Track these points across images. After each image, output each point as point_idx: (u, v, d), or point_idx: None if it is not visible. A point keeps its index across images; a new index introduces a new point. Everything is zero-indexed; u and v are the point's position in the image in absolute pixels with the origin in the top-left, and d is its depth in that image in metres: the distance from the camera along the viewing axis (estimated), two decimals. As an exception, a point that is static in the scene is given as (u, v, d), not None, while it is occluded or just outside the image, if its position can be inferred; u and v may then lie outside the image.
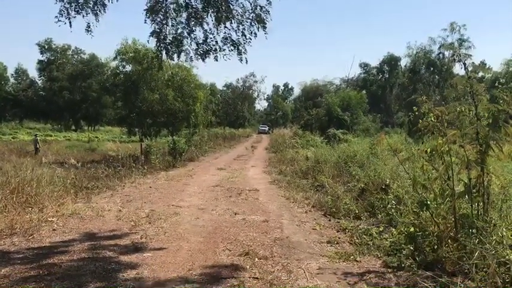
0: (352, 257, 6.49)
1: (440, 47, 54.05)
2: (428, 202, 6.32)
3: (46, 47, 71.54)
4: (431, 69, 56.52)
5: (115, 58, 28.69)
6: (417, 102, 6.74)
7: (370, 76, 75.31)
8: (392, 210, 8.25)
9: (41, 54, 72.15)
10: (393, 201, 8.56)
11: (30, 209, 8.76)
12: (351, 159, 14.23)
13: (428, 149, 6.35)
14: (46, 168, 12.62)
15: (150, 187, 13.69)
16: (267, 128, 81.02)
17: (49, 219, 8.45)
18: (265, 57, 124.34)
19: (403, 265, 5.98)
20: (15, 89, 76.30)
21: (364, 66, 75.15)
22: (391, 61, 71.16)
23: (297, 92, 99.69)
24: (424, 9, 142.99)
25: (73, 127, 71.75)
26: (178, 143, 23.73)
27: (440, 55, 55.07)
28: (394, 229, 7.51)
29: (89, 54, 71.88)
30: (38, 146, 28.27)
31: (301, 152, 23.31)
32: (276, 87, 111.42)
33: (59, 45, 72.30)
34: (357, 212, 9.39)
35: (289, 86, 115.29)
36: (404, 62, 65.28)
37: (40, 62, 72.63)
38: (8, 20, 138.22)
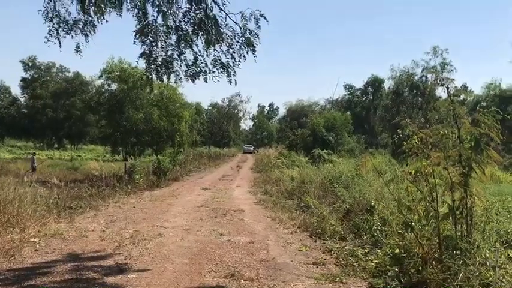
0: (338, 278, 6.48)
1: (423, 70, 55.21)
2: (413, 223, 6.40)
3: (30, 64, 70.99)
4: (415, 91, 57.54)
5: (100, 76, 28.71)
6: (401, 125, 6.86)
7: (355, 97, 76.35)
8: (378, 232, 8.29)
9: (24, 71, 71.57)
10: (378, 223, 8.61)
11: (11, 229, 8.55)
12: (336, 179, 14.30)
13: (413, 171, 6.45)
14: (28, 187, 12.43)
15: (134, 207, 13.54)
16: (252, 147, 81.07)
17: (31, 239, 8.28)
18: (250, 77, 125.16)
19: (388, 287, 5.99)
20: (-4, 106, 75.25)
21: (349, 87, 76.29)
22: (375, 83, 72.36)
23: (282, 112, 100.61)
24: (408, 32, 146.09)
25: (55, 145, 70.88)
26: (163, 162, 23.58)
27: (423, 78, 56.20)
28: (379, 250, 7.54)
29: (73, 72, 71.60)
30: (34, 165, 27.74)
31: (287, 172, 23.37)
32: (261, 107, 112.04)
33: (43, 63, 71.88)
34: (343, 233, 9.40)
35: (275, 106, 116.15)
36: (388, 84, 66.44)
37: (23, 79, 71.94)
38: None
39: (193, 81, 7.58)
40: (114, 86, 28.71)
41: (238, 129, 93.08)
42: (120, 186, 17.30)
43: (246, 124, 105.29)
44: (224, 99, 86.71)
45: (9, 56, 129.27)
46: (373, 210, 9.58)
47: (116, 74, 27.68)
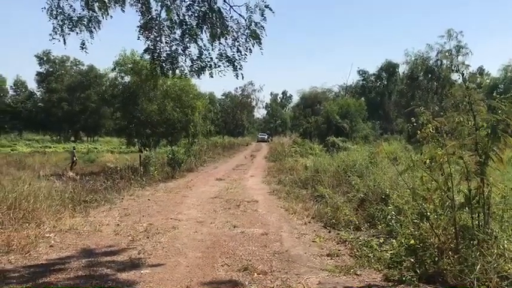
0: (352, 270, 6.41)
1: (437, 53, 54.19)
2: (428, 213, 6.27)
3: (45, 58, 71.81)
4: (429, 75, 56.58)
5: (113, 69, 28.74)
6: (415, 112, 6.70)
7: (369, 83, 75.35)
8: (393, 221, 8.17)
9: (39, 66, 72.50)
10: (393, 212, 8.48)
11: (27, 224, 8.66)
12: (350, 168, 14.17)
13: (427, 160, 6.30)
14: (44, 181, 12.55)
15: (149, 200, 13.60)
16: (266, 136, 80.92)
17: (46, 235, 8.37)
18: (263, 65, 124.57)
19: (404, 278, 5.90)
20: (14, 101, 76.40)
21: (363, 73, 75.23)
22: (389, 68, 71.26)
23: (295, 99, 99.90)
24: (422, 16, 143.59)
25: (72, 138, 71.71)
26: (177, 153, 23.65)
27: (438, 62, 55.16)
28: (394, 240, 7.42)
29: (88, 66, 72.10)
30: (75, 159, 27.97)
31: (301, 160, 23.27)
32: (274, 96, 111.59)
33: (58, 57, 72.54)
34: (357, 223, 9.32)
35: (288, 94, 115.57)
36: (402, 69, 65.42)
37: (39, 73, 72.84)
38: (6, 32, 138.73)
39: (198, 76, 7.50)
40: (127, 78, 28.78)
41: (252, 118, 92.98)
42: (135, 178, 17.38)
43: (260, 113, 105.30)
44: (237, 88, 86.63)
45: (24, 51, 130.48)
46: (388, 200, 9.47)
47: (129, 66, 27.69)
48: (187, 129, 29.78)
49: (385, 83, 73.16)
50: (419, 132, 6.47)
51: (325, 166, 16.32)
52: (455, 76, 52.89)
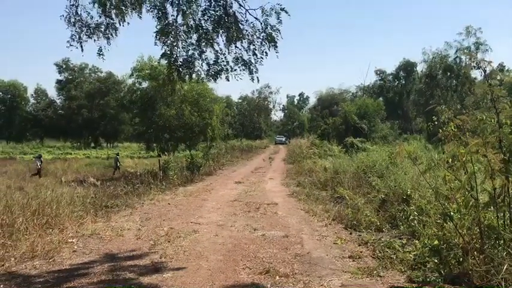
0: (375, 272, 6.34)
1: (456, 51, 53.33)
2: (452, 213, 6.16)
3: (64, 66, 73.00)
4: (448, 74, 55.69)
5: (131, 75, 29.05)
6: (436, 111, 6.60)
7: (387, 83, 74.73)
8: (415, 222, 8.07)
9: (59, 73, 73.74)
10: (415, 213, 8.37)
11: (50, 230, 8.78)
12: (370, 169, 14.04)
13: (450, 159, 6.20)
14: (66, 187, 12.75)
15: (169, 204, 13.69)
16: (284, 138, 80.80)
17: (69, 240, 8.48)
18: (279, 68, 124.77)
19: (428, 279, 5.82)
20: (35, 108, 77.93)
21: (380, 73, 74.67)
22: (407, 67, 70.59)
23: (312, 101, 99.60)
24: (439, 14, 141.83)
25: (92, 144, 72.71)
26: (196, 157, 23.77)
27: (457, 59, 54.31)
28: (417, 241, 7.33)
29: (106, 72, 73.07)
30: (118, 165, 28.23)
31: (319, 162, 23.15)
32: (290, 98, 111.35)
33: (77, 65, 73.71)
34: (379, 224, 9.23)
35: (305, 96, 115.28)
36: (420, 68, 64.65)
37: (58, 81, 74.12)
38: (26, 41, 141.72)
39: (215, 80, 7.52)
40: (145, 84, 29.06)
41: (269, 120, 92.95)
42: (154, 183, 17.52)
43: (277, 115, 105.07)
44: (254, 91, 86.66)
45: (44, 59, 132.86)
46: (410, 200, 9.36)
47: (147, 72, 27.95)
48: (205, 133, 29.90)
49: (403, 82, 72.48)
50: (440, 131, 6.37)
51: (345, 167, 16.20)
52: (475, 73, 52.09)
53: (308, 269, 6.65)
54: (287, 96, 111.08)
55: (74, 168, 30.77)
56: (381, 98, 58.42)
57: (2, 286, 5.77)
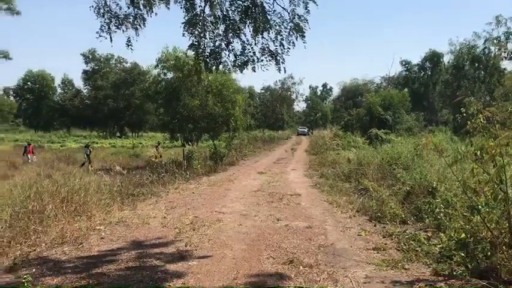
0: (400, 264, 6.32)
1: (485, 41, 51.82)
2: (480, 207, 6.06)
3: (90, 57, 74.15)
4: (476, 65, 54.27)
5: (156, 66, 29.30)
6: (464, 103, 6.48)
7: (412, 74, 73.32)
8: (441, 215, 7.98)
9: (85, 64, 74.99)
10: (441, 205, 8.27)
11: (79, 217, 9.01)
12: (395, 161, 13.88)
13: (478, 151, 6.09)
14: (93, 176, 13.00)
15: (193, 193, 13.84)
16: (307, 129, 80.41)
17: (97, 227, 8.70)
18: (303, 58, 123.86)
19: (454, 273, 5.77)
20: (62, 98, 79.56)
21: (405, 63, 73.27)
22: (433, 58, 69.06)
23: (336, 92, 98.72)
24: (466, 3, 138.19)
25: (118, 134, 73.86)
26: (219, 147, 23.90)
27: (486, 50, 52.83)
28: (443, 234, 7.26)
29: (131, 63, 73.91)
30: (160, 150, 28.31)
31: (343, 153, 22.97)
32: (313, 88, 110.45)
33: (103, 55, 74.77)
34: (403, 216, 9.16)
35: (328, 86, 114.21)
36: (447, 59, 63.19)
37: (85, 71, 75.37)
38: (54, 32, 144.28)
39: (241, 71, 7.51)
40: (170, 75, 29.27)
41: (291, 111, 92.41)
42: (179, 172, 17.71)
43: (300, 106, 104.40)
44: (276, 81, 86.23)
45: (71, 50, 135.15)
46: (435, 192, 9.24)
47: (171, 62, 28.13)
48: (228, 123, 29.98)
49: (429, 73, 70.98)
50: (469, 123, 6.26)
51: (369, 159, 16.05)
52: (504, 64, 50.66)
53: (332, 260, 6.67)
54: (310, 87, 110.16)
55: (100, 157, 31.34)
56: (406, 89, 57.24)
57: (34, 270, 5.97)
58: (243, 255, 6.89)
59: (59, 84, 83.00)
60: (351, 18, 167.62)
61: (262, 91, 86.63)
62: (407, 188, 10.62)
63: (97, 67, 74.85)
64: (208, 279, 5.76)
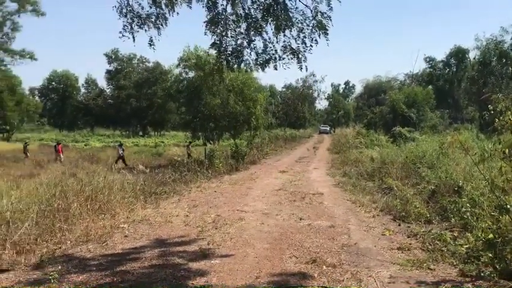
0: (425, 264, 6.20)
1: (514, 36, 50.45)
2: (508, 206, 5.90)
3: (113, 57, 75.24)
4: (504, 60, 52.94)
5: (178, 65, 29.58)
6: (492, 100, 6.31)
7: (436, 70, 72.02)
8: (467, 214, 7.77)
9: (108, 64, 76.15)
10: (468, 205, 8.07)
11: (103, 215, 9.13)
12: (420, 159, 13.64)
13: (507, 149, 5.93)
14: (116, 174, 13.17)
15: (215, 191, 13.89)
16: (329, 127, 79.88)
17: (121, 225, 8.79)
18: (324, 56, 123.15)
19: (482, 274, 5.63)
20: (85, 98, 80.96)
21: (430, 60, 71.99)
22: (459, 54, 67.68)
23: (358, 89, 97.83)
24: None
25: (140, 133, 74.74)
26: (240, 146, 23.94)
27: (514, 45, 51.41)
28: (469, 234, 7.08)
29: (153, 62, 74.66)
30: (190, 153, 27.53)
31: (366, 152, 22.72)
32: (335, 86, 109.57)
33: (125, 55, 75.73)
34: (428, 215, 8.99)
35: (350, 84, 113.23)
36: (472, 55, 61.81)
37: (108, 71, 76.50)
38: (77, 33, 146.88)
39: (263, 69, 7.46)
40: (191, 74, 29.47)
41: (313, 109, 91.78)
42: (201, 171, 17.80)
43: (322, 104, 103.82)
44: (298, 79, 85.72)
45: (94, 50, 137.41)
46: (462, 191, 9.05)
47: (193, 61, 28.32)
48: (249, 122, 30.02)
49: (454, 69, 69.61)
50: (497, 120, 6.10)
51: (393, 157, 15.83)
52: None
53: (356, 259, 6.59)
54: (332, 85, 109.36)
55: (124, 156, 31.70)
56: (430, 86, 56.33)
57: (60, 267, 6.07)
58: (266, 254, 6.87)
59: (83, 84, 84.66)
60: (373, 15, 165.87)
61: (284, 89, 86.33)
62: (432, 187, 10.43)
63: (120, 67, 75.95)
64: (230, 278, 5.75)
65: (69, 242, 7.48)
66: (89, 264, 6.41)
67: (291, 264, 6.40)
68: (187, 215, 10.00)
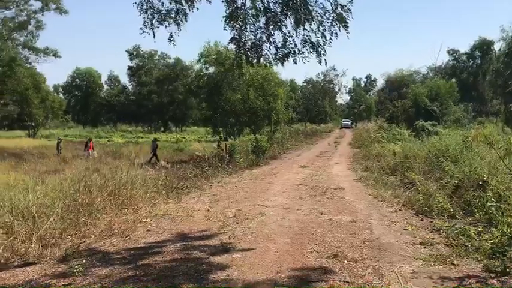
0: (448, 260, 6.11)
1: (541, 26, 49.10)
2: (535, 201, 5.78)
3: (135, 53, 76.03)
4: (531, 51, 51.58)
5: (199, 61, 29.75)
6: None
7: (460, 63, 70.64)
8: (492, 209, 7.63)
9: (130, 60, 77.01)
10: (492, 199, 7.91)
11: (126, 210, 9.27)
12: (443, 153, 13.41)
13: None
14: (139, 170, 13.34)
15: (236, 186, 13.95)
16: (350, 122, 79.24)
17: (143, 220, 8.90)
18: (345, 50, 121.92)
19: (507, 270, 5.52)
20: (108, 94, 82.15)
21: (453, 52, 70.62)
22: (483, 46, 66.18)
23: (380, 83, 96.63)
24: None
25: (162, 128, 75.47)
26: (261, 141, 23.98)
27: (541, 36, 50.07)
28: (494, 229, 6.94)
29: (174, 58, 75.22)
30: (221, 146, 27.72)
31: (388, 146, 22.46)
32: (356, 80, 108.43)
33: (147, 51, 76.42)
34: (452, 210, 8.84)
35: (372, 78, 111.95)
36: (498, 46, 60.36)
37: (130, 68, 77.35)
38: (99, 30, 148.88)
39: (282, 63, 7.43)
40: (211, 70, 29.61)
41: (334, 104, 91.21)
42: (222, 166, 17.90)
43: (343, 98, 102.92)
44: (319, 74, 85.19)
45: (116, 47, 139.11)
46: (486, 186, 8.87)
47: (213, 57, 28.47)
48: (269, 117, 30.06)
49: (479, 62, 68.12)
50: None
51: (415, 151, 15.61)
52: None
53: (377, 254, 6.53)
54: (353, 79, 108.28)
55: (146, 151, 32.10)
56: (453, 79, 55.30)
57: (84, 261, 6.19)
58: (286, 249, 6.87)
59: (105, 81, 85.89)
60: (395, 6, 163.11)
61: (304, 84, 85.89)
62: (456, 182, 10.24)
63: (141, 63, 76.75)
64: (251, 272, 5.77)
65: (93, 236, 7.61)
66: (112, 258, 6.51)
67: (312, 258, 6.39)
68: (208, 210, 10.07)
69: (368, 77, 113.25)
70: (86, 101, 79.34)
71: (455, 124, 32.72)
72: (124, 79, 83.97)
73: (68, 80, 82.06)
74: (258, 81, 28.78)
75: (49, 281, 5.52)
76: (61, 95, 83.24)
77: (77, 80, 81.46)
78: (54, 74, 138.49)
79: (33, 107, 43.75)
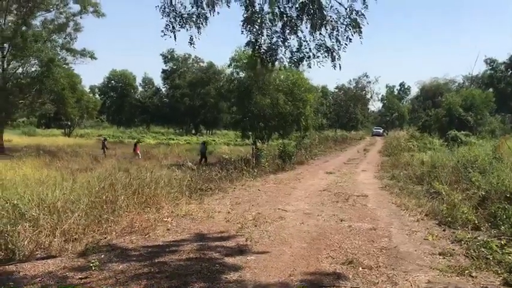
0: (467, 271, 5.98)
1: None
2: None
3: (169, 57, 77.25)
4: None
5: (230, 65, 29.92)
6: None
7: (498, 73, 68.59)
8: (518, 222, 7.42)
9: (164, 63, 78.25)
10: (520, 212, 7.69)
11: (148, 209, 9.47)
12: (471, 164, 13.09)
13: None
14: (165, 170, 13.58)
15: (259, 190, 13.99)
16: (382, 130, 78.02)
17: (164, 219, 9.07)
18: (379, 57, 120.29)
19: (528, 285, 5.35)
20: (142, 96, 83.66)
21: (491, 62, 68.65)
22: (523, 55, 64.10)
23: (414, 91, 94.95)
24: None
25: (193, 131, 76.30)
26: (288, 146, 23.91)
27: None
28: (519, 243, 6.75)
29: (207, 62, 75.98)
30: (258, 152, 24.64)
31: (417, 155, 22.05)
32: (390, 88, 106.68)
33: (181, 55, 77.58)
34: (476, 222, 8.63)
35: (406, 86, 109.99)
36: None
37: (164, 71, 78.68)
38: (135, 34, 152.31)
39: (297, 67, 7.51)
40: (242, 74, 29.75)
41: (366, 111, 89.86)
42: (247, 169, 17.98)
43: (375, 106, 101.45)
44: (351, 80, 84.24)
45: (151, 50, 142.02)
46: (514, 199, 8.62)
47: (244, 61, 28.59)
48: (298, 122, 29.90)
49: (518, 71, 66.00)
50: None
51: (443, 161, 15.27)
52: None
53: (394, 263, 6.45)
54: (387, 86, 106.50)
55: (175, 152, 32.56)
56: (491, 89, 53.78)
57: (103, 256, 6.37)
58: (302, 253, 6.87)
59: (140, 83, 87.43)
60: (430, 14, 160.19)
61: (336, 90, 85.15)
62: (483, 193, 9.99)
63: (175, 67, 77.88)
64: (264, 274, 5.81)
65: (114, 232, 7.81)
66: (130, 254, 6.68)
67: (327, 264, 6.37)
68: (229, 212, 10.16)
69: (402, 84, 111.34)
70: (121, 102, 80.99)
71: (490, 135, 31.83)
72: (158, 82, 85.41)
73: (104, 82, 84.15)
74: (287, 86, 28.72)
75: (67, 273, 5.72)
76: (97, 95, 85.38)
77: (113, 81, 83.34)
78: (92, 75, 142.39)
79: (68, 107, 44.96)
